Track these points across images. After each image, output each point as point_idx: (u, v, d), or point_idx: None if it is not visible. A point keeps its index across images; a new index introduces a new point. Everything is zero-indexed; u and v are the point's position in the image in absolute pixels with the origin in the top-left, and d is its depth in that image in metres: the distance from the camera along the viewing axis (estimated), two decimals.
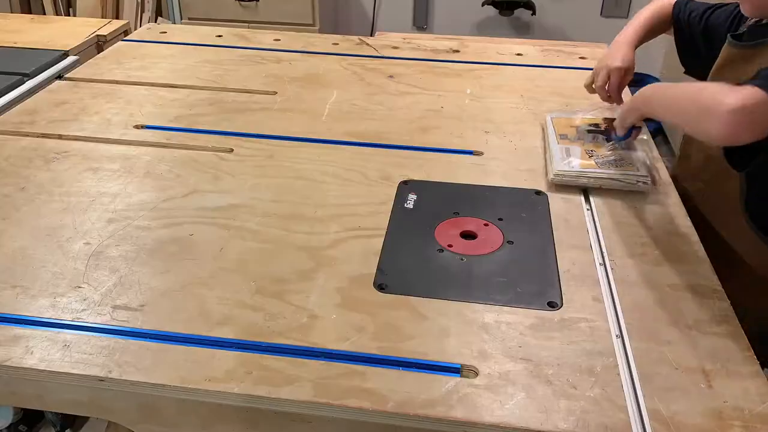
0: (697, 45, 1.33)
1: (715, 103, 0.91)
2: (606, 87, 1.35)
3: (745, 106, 0.89)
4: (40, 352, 0.84)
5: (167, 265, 0.99)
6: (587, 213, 1.14)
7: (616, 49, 1.35)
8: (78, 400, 0.83)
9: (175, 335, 0.87)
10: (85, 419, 1.04)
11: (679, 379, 0.81)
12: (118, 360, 0.83)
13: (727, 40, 1.18)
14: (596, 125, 1.31)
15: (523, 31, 3.44)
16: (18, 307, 0.91)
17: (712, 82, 1.11)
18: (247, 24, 3.07)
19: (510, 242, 1.06)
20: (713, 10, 1.31)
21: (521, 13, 3.34)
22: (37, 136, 1.36)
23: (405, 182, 1.22)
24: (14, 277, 0.97)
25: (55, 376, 0.81)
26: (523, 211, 1.14)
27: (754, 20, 1.17)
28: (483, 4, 3.33)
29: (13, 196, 1.16)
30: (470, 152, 1.33)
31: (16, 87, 1.62)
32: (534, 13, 3.30)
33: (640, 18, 1.39)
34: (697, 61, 1.35)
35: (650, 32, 1.39)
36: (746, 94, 0.89)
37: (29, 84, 1.64)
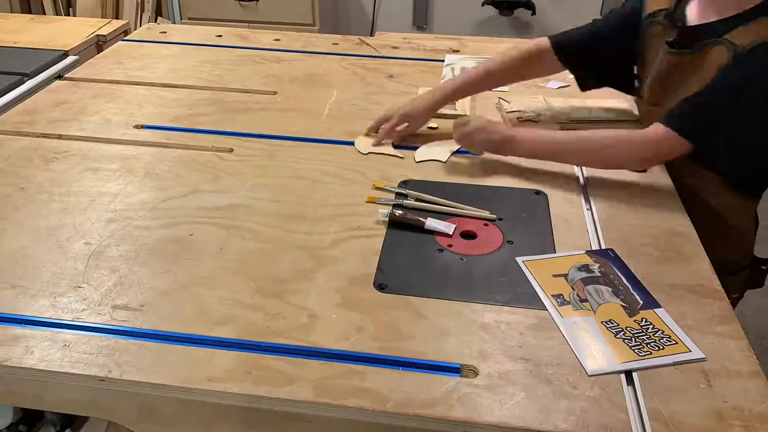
0: (588, 62, 1.38)
1: (627, 162, 1.20)
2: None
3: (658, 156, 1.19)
4: (40, 352, 0.84)
5: (167, 265, 0.99)
6: (587, 213, 1.14)
7: (420, 96, 1.41)
8: (78, 400, 0.83)
9: (175, 335, 0.87)
10: (85, 419, 1.04)
11: (679, 379, 0.81)
12: (118, 360, 0.83)
13: (665, 49, 1.20)
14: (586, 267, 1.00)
15: (523, 31, 3.44)
16: (18, 307, 0.91)
17: (605, 132, 1.21)
18: (247, 24, 3.07)
19: (510, 242, 1.06)
20: (595, 24, 1.37)
21: (521, 13, 3.34)
22: (37, 136, 1.36)
23: (405, 182, 1.22)
24: (14, 277, 0.97)
25: (55, 376, 0.81)
26: (523, 211, 1.14)
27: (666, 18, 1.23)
28: (483, 4, 3.33)
29: (13, 196, 1.16)
30: (470, 152, 1.33)
31: (16, 87, 1.62)
32: (534, 13, 3.30)
33: (473, 71, 1.41)
34: (592, 78, 1.42)
35: (490, 80, 1.42)
36: (660, 144, 1.13)
37: (29, 84, 1.64)
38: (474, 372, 0.82)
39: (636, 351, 0.85)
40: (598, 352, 0.85)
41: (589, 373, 0.81)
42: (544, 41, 1.38)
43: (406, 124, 1.35)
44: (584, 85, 1.43)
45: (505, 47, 1.87)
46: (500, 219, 1.11)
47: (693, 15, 1.20)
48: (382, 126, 1.35)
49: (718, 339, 0.87)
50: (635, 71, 1.36)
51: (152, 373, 0.81)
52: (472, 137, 1.26)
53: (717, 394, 0.79)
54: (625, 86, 1.41)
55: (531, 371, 0.82)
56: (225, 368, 0.82)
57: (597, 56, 1.36)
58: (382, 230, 1.08)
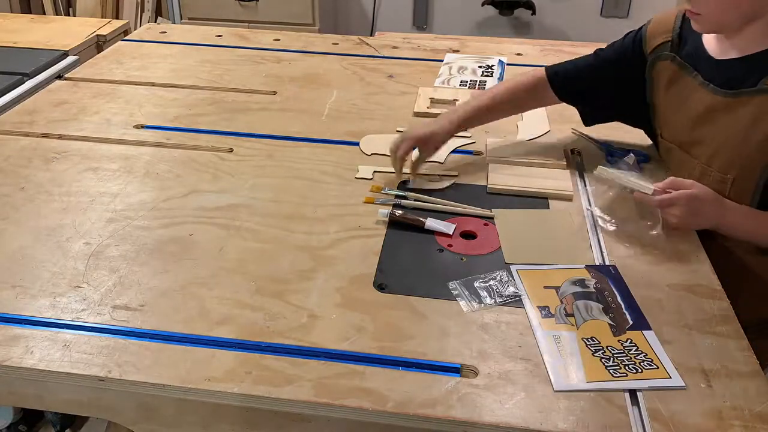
0: (586, 96, 1.27)
1: None
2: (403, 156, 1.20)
3: None
4: (40, 352, 0.84)
5: (167, 265, 0.99)
6: (587, 213, 1.14)
7: (431, 121, 1.24)
8: (78, 400, 0.83)
9: (175, 335, 0.87)
10: (85, 419, 1.04)
11: None
12: (118, 360, 0.83)
13: (707, 87, 1.08)
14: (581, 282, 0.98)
15: (522, 31, 3.44)
16: (18, 307, 0.91)
17: None
18: (247, 24, 3.07)
19: None
20: (597, 56, 1.25)
21: (521, 13, 3.34)
22: (37, 136, 1.36)
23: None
24: (14, 277, 0.97)
25: (55, 376, 0.81)
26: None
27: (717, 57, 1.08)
28: (483, 4, 3.33)
29: (13, 196, 1.16)
30: (470, 152, 1.33)
31: (16, 87, 1.62)
32: (534, 13, 3.30)
33: (479, 98, 1.28)
34: (594, 113, 1.30)
35: (492, 112, 1.28)
36: None
37: (29, 84, 1.64)
38: (474, 372, 0.82)
39: (611, 371, 0.82)
40: (570, 368, 0.82)
41: (555, 389, 0.79)
42: (540, 72, 1.27)
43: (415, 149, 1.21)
44: (586, 119, 1.31)
45: (505, 47, 1.88)
46: None
47: (713, 48, 1.09)
48: (398, 154, 1.20)
49: (718, 339, 0.87)
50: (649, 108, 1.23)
51: (152, 373, 0.81)
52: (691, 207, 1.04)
53: (717, 394, 0.79)
54: (635, 121, 1.29)
55: (531, 371, 0.82)
56: (225, 368, 0.82)
57: (597, 90, 1.25)
58: (382, 230, 1.08)
